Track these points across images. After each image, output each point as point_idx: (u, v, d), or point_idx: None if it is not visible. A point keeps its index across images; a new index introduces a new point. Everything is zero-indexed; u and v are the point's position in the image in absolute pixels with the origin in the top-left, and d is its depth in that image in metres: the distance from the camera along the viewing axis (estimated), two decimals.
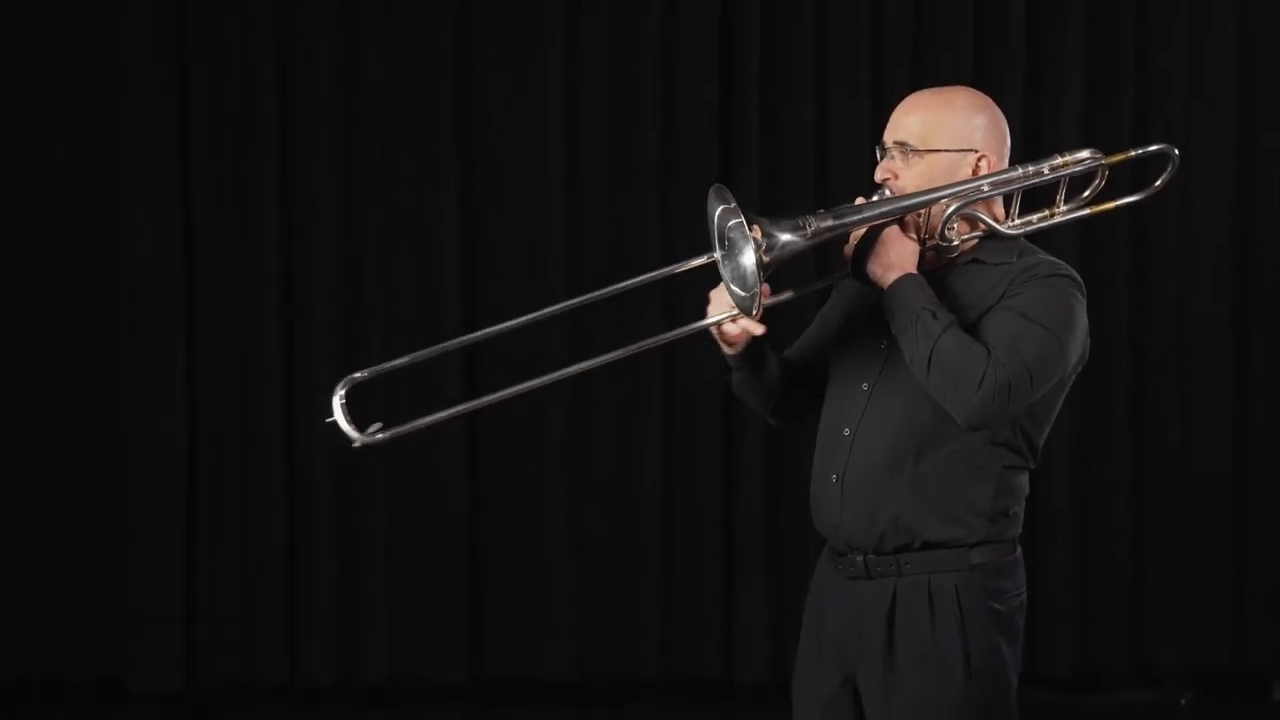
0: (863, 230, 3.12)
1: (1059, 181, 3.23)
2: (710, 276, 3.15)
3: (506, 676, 6.39)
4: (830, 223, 3.07)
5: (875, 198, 3.15)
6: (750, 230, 3.00)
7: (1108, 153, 3.25)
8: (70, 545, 6.24)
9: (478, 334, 3.45)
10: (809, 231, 3.04)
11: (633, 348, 3.32)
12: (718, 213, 3.07)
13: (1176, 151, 3.30)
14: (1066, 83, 6.36)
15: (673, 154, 6.34)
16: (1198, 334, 6.45)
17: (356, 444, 3.09)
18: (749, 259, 2.99)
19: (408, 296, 6.31)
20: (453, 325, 6.13)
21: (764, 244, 3.00)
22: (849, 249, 3.15)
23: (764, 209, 5.94)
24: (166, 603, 6.21)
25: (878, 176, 3.19)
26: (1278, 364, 6.47)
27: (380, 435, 3.11)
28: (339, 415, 3.08)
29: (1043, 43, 6.39)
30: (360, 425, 3.09)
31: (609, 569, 6.36)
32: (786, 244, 3.02)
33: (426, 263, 6.31)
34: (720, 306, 3.16)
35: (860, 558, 3.16)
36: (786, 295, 3.23)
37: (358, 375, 3.16)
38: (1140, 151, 3.32)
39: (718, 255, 3.08)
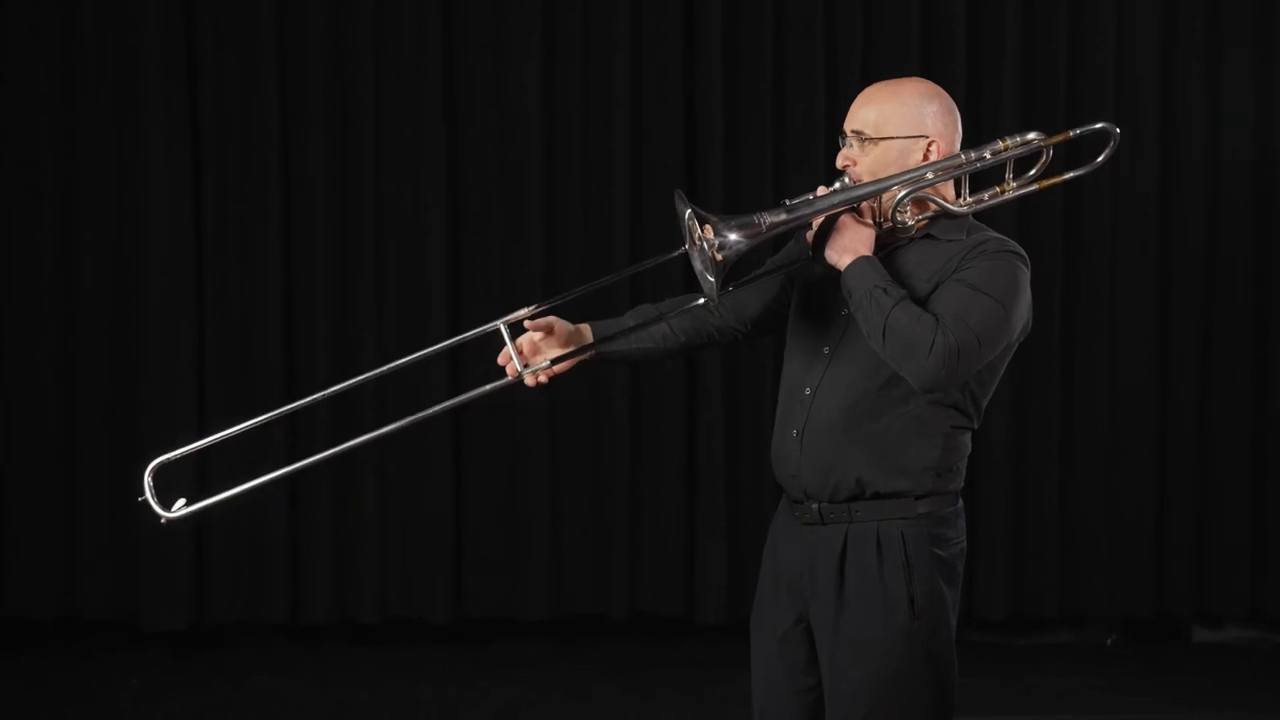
0: (822, 219, 3.12)
1: (1004, 163, 3.20)
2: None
3: (486, 616, 6.41)
4: (784, 217, 3.07)
5: (837, 184, 3.14)
6: (703, 229, 3.02)
7: (1049, 134, 3.21)
8: (89, 498, 6.24)
9: (299, 403, 3.65)
10: (763, 227, 3.05)
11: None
12: (686, 213, 3.05)
13: (1117, 130, 3.24)
14: (1004, 73, 6.37)
15: (641, 150, 6.33)
16: (1125, 302, 6.46)
17: (163, 521, 3.23)
18: (705, 253, 3.01)
19: (396, 289, 6.31)
20: (438, 302, 6.23)
21: (715, 242, 3.01)
22: (810, 235, 3.16)
23: (726, 201, 5.94)
24: (178, 549, 6.20)
25: (838, 163, 3.18)
26: (1197, 332, 6.48)
27: (184, 510, 3.28)
28: (149, 494, 3.22)
29: (984, 35, 6.40)
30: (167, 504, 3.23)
31: (580, 520, 6.37)
32: (735, 243, 3.02)
33: (414, 254, 6.30)
34: None
35: (815, 505, 3.16)
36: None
37: (166, 457, 3.34)
38: (1082, 131, 3.26)
39: (688, 249, 3.08)
